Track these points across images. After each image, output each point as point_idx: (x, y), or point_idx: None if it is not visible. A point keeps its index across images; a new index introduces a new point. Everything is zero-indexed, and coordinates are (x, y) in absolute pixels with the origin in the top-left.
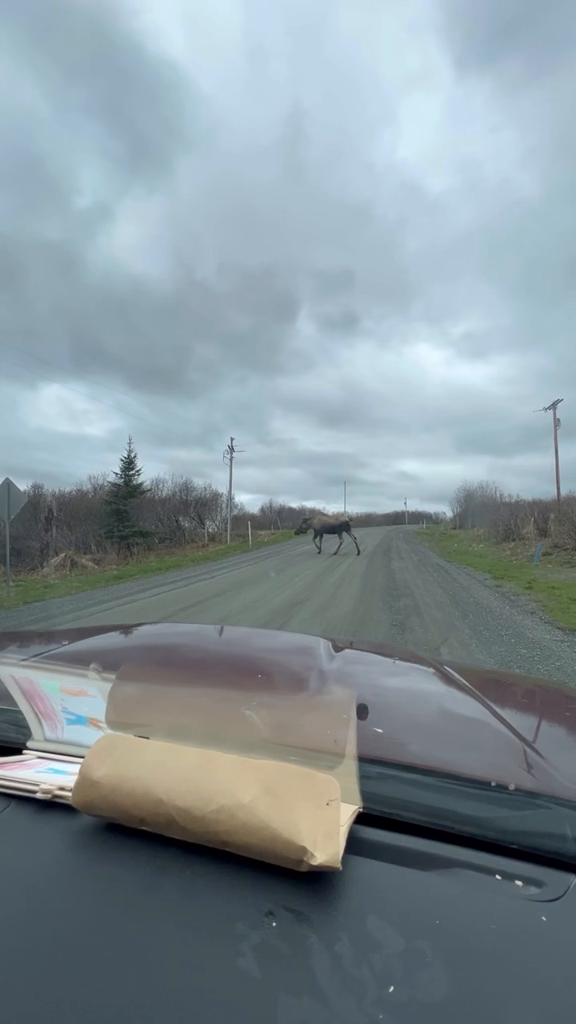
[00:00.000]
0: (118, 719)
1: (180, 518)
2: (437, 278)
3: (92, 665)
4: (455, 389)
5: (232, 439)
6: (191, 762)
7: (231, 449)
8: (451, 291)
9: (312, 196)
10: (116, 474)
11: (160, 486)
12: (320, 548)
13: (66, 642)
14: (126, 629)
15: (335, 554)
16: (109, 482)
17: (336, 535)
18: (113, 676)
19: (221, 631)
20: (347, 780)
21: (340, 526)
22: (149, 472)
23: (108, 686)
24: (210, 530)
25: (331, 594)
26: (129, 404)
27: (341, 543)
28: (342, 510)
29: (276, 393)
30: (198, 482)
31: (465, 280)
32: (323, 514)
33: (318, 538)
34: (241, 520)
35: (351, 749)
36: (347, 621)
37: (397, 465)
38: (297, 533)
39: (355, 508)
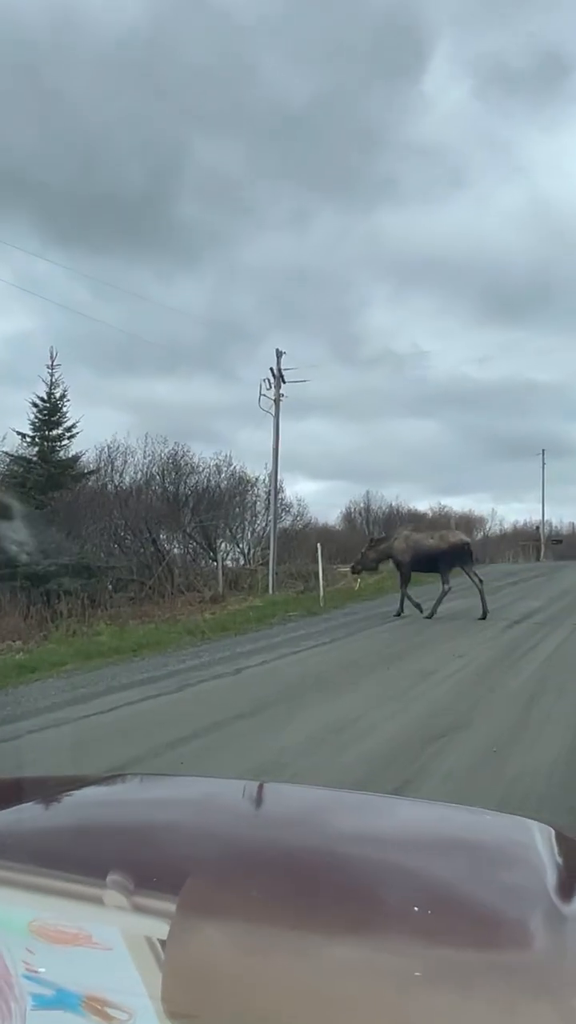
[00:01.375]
0: (186, 1005)
1: (162, 534)
2: None
3: (111, 877)
4: None
5: (279, 354)
6: None
7: (277, 378)
8: None
9: None
10: (24, 437)
11: (119, 460)
12: (411, 606)
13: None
14: (110, 784)
15: (518, 622)
16: (5, 453)
17: (455, 572)
18: (157, 897)
19: (286, 794)
20: None
21: (452, 554)
22: (95, 430)
23: (152, 924)
24: (230, 561)
25: (516, 716)
26: (49, 277)
27: (480, 588)
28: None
29: (376, 245)
30: (203, 454)
31: None
32: (415, 530)
33: (405, 585)
34: (300, 539)
35: None
36: (552, 778)
37: None
38: (354, 571)
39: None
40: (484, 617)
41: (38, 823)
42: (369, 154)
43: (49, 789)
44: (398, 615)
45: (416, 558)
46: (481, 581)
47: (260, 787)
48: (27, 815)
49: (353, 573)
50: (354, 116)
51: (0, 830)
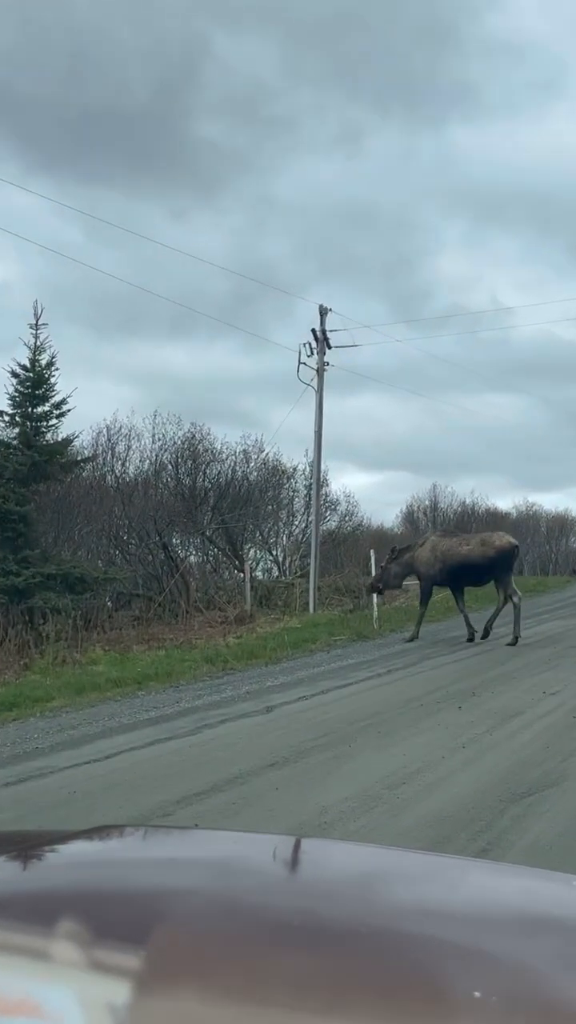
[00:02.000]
0: None
1: (175, 538)
2: None
3: (62, 924)
4: None
5: (324, 312)
6: None
7: (321, 343)
8: None
9: None
10: (0, 415)
11: (121, 444)
12: (470, 630)
13: None
14: (100, 837)
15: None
16: None
17: (497, 586)
18: (119, 954)
19: (314, 852)
20: None
21: (502, 561)
22: (91, 407)
23: (116, 989)
24: (260, 572)
25: None
26: (32, 211)
27: (502, 605)
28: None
29: (447, 171)
30: (227, 437)
31: None
32: (444, 535)
33: (425, 604)
34: (349, 545)
35: None
36: None
37: None
38: (375, 590)
39: None
40: (514, 643)
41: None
42: (438, 54)
43: (21, 842)
44: (470, 640)
45: (448, 570)
46: (520, 598)
47: (296, 843)
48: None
49: (372, 592)
50: (419, 5)
51: None
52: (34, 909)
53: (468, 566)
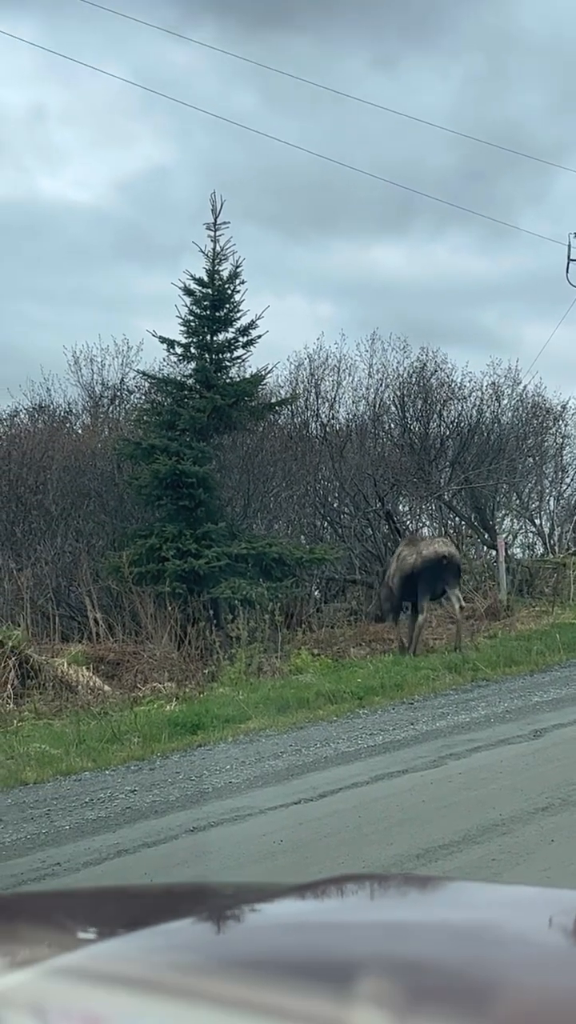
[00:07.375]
0: None
1: (402, 504)
2: None
3: (369, 984)
4: None
5: None
6: None
7: None
8: None
9: None
10: (171, 346)
11: (328, 380)
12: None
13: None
14: (304, 894)
15: None
16: (142, 374)
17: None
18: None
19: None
20: None
21: (428, 573)
22: (282, 334)
23: None
24: (518, 549)
25: None
26: (189, 68)
27: (456, 616)
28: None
29: None
30: (469, 367)
31: None
32: (409, 543)
33: (393, 615)
34: None
35: None
36: None
37: None
38: (375, 619)
39: None
40: (456, 649)
41: (247, 930)
42: None
43: (230, 896)
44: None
45: (403, 582)
46: (461, 608)
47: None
48: (226, 920)
49: (376, 621)
50: None
51: (195, 940)
52: (258, 960)
53: (409, 578)
